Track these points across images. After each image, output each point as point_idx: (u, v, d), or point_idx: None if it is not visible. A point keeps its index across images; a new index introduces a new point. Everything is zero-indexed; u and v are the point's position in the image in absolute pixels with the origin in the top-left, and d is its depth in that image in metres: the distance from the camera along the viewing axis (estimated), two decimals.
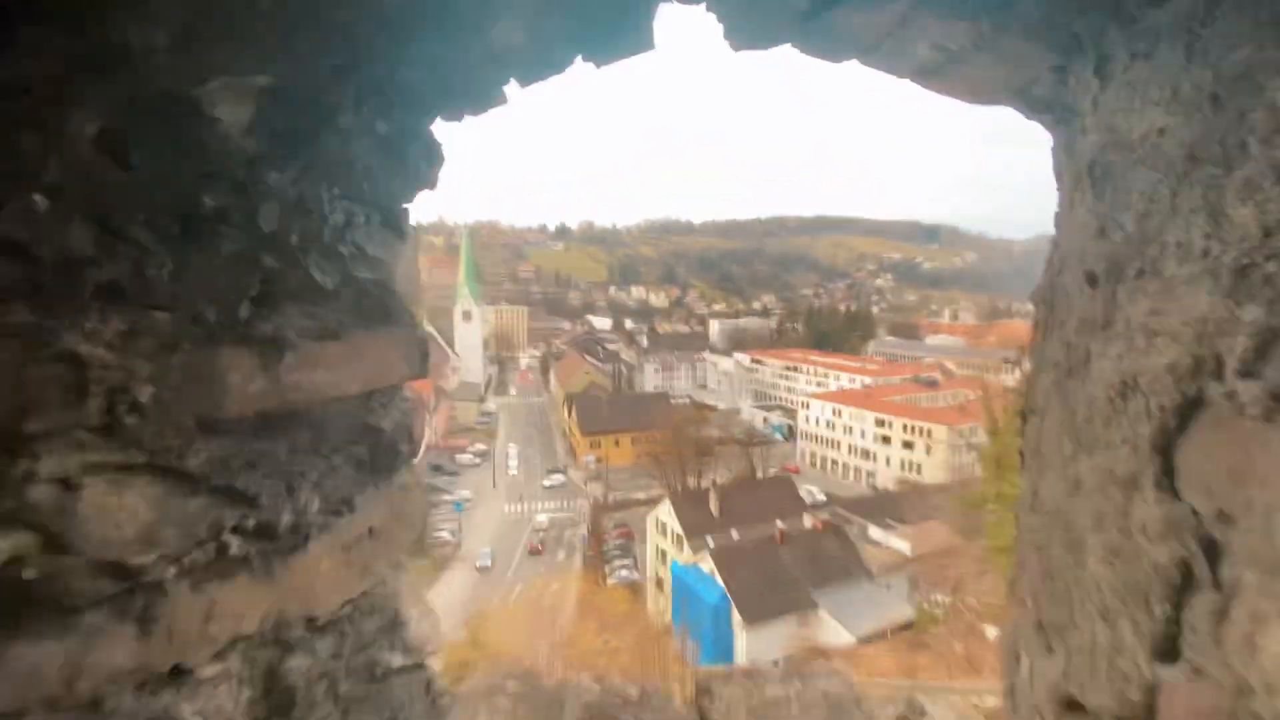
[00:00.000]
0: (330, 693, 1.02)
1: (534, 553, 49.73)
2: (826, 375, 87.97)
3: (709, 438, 59.27)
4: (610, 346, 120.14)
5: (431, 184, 1.16)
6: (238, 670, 0.91)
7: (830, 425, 69.08)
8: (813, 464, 70.10)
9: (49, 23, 0.64)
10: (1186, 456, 0.76)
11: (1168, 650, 0.80)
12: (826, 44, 1.20)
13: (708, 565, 33.68)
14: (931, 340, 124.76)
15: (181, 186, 0.78)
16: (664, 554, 41.40)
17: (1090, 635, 0.92)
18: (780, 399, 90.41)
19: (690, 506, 41.32)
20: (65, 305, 0.68)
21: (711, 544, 36.45)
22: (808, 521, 38.17)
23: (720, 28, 1.19)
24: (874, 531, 39.66)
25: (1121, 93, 0.87)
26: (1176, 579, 0.78)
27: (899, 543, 37.76)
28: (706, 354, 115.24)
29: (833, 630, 31.40)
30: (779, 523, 37.38)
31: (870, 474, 63.96)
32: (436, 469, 65.92)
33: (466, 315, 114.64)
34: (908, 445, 61.36)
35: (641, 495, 55.78)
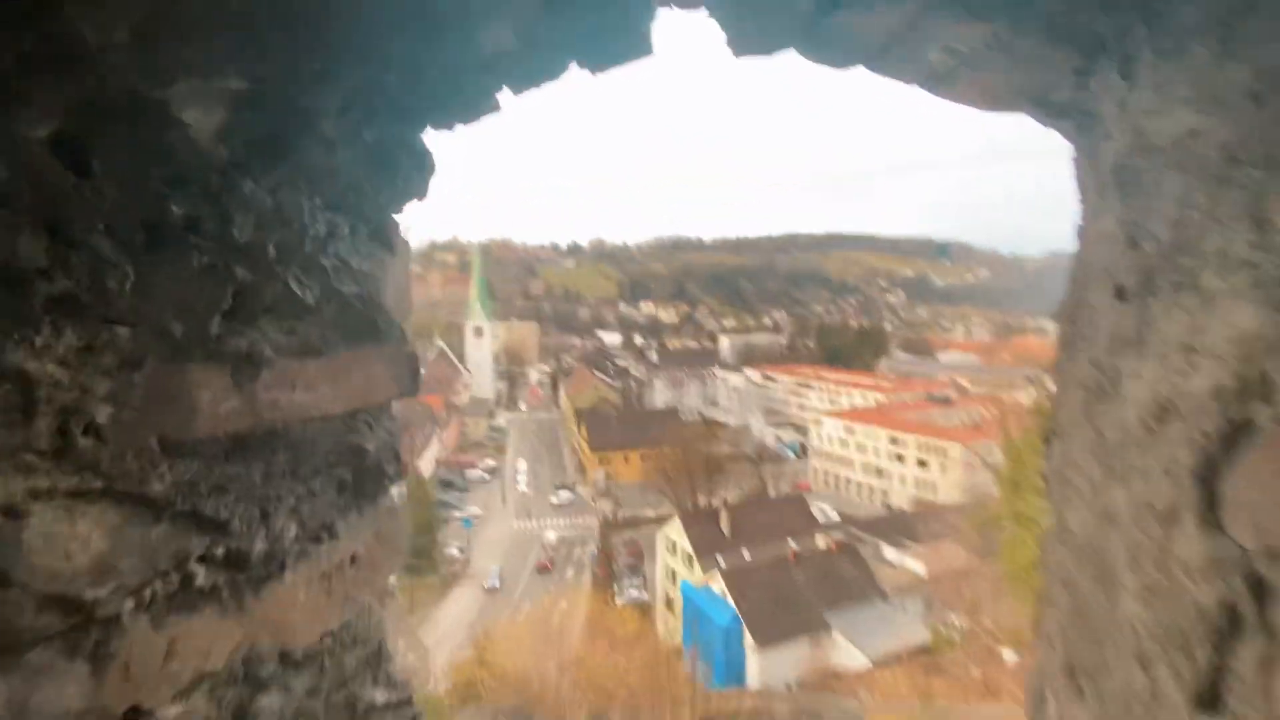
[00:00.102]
0: None
1: (543, 570, 49.38)
2: (839, 392, 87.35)
3: (719, 454, 58.81)
4: (620, 362, 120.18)
5: (422, 195, 1.11)
6: (204, 710, 0.85)
7: (843, 443, 68.41)
8: (825, 482, 69.37)
9: None
10: (1232, 487, 0.69)
11: (1210, 699, 0.72)
12: (831, 49, 1.16)
13: (719, 585, 33.22)
14: (945, 357, 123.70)
15: (146, 194, 0.74)
16: (674, 573, 40.92)
17: (1125, 680, 0.84)
18: (792, 416, 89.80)
19: (701, 525, 40.89)
20: (10, 319, 0.64)
21: (723, 564, 35.98)
22: (821, 541, 37.62)
23: (722, 33, 1.15)
24: (888, 552, 39.00)
25: (1149, 94, 0.81)
26: (1221, 622, 0.71)
27: (914, 563, 37.10)
28: (717, 370, 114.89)
29: (846, 653, 30.78)
30: (791, 542, 36.86)
31: (884, 493, 63.15)
32: (447, 485, 65.90)
33: (478, 331, 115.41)
34: (922, 463, 60.57)
35: (651, 513, 55.36)
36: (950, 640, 27.71)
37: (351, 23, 0.78)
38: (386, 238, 1.06)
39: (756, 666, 30.53)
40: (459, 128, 1.14)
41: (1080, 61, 0.95)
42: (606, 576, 45.59)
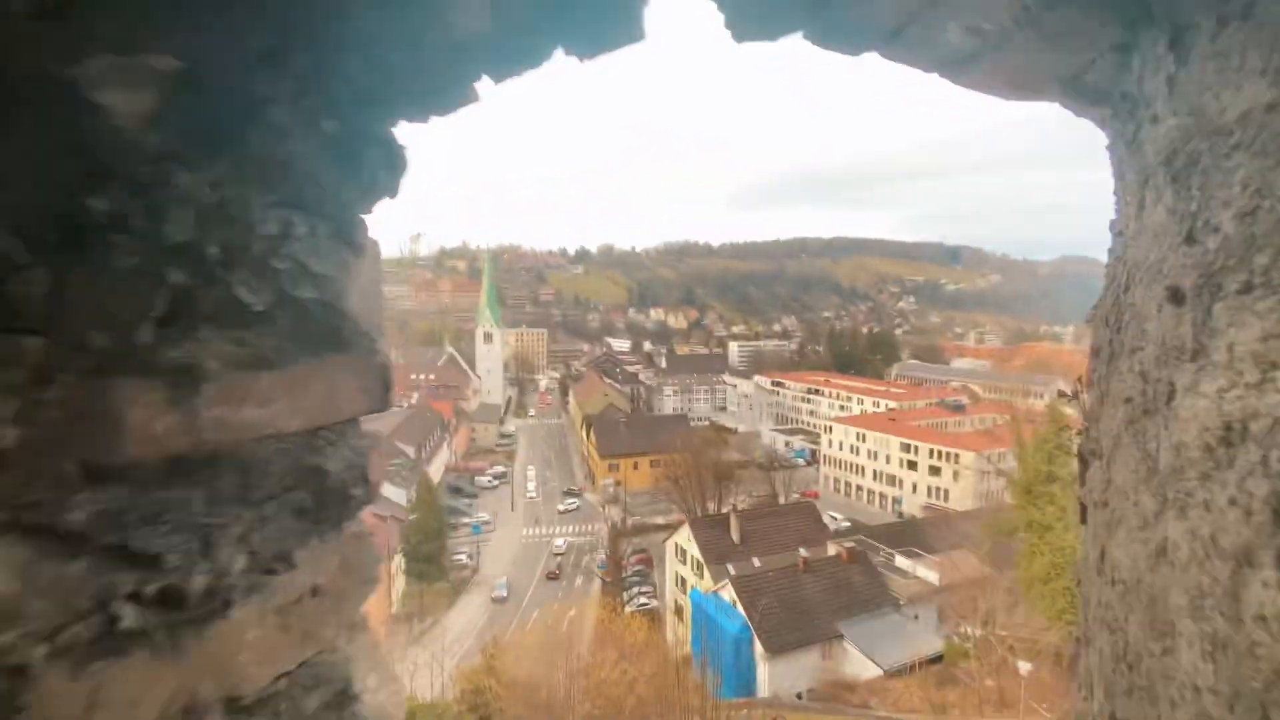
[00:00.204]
0: None
1: (552, 578, 49.21)
2: (849, 398, 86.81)
3: (729, 461, 58.54)
4: (629, 368, 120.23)
5: (393, 192, 1.02)
6: None
7: (854, 450, 67.90)
8: (835, 489, 68.84)
9: None
10: None
11: None
12: (841, 33, 1.06)
13: (729, 593, 32.93)
14: (957, 363, 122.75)
15: (59, 187, 0.65)
16: (683, 581, 40.65)
17: None
18: (802, 422, 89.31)
19: (710, 532, 40.62)
20: None
21: (732, 571, 35.69)
22: (832, 549, 37.23)
23: (720, 16, 1.06)
24: (900, 560, 38.53)
25: (1209, 67, 0.71)
26: None
27: (926, 572, 36.63)
28: (726, 376, 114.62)
29: (858, 662, 30.38)
30: (802, 550, 36.52)
31: (896, 500, 62.55)
32: (456, 491, 66.02)
33: (488, 338, 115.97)
34: (934, 471, 59.99)
35: (660, 520, 55.13)
36: (964, 650, 27.29)
37: None
38: (351, 238, 0.96)
39: (766, 675, 30.21)
40: (435, 120, 1.05)
41: (1121, 36, 0.84)
42: (615, 584, 45.36)
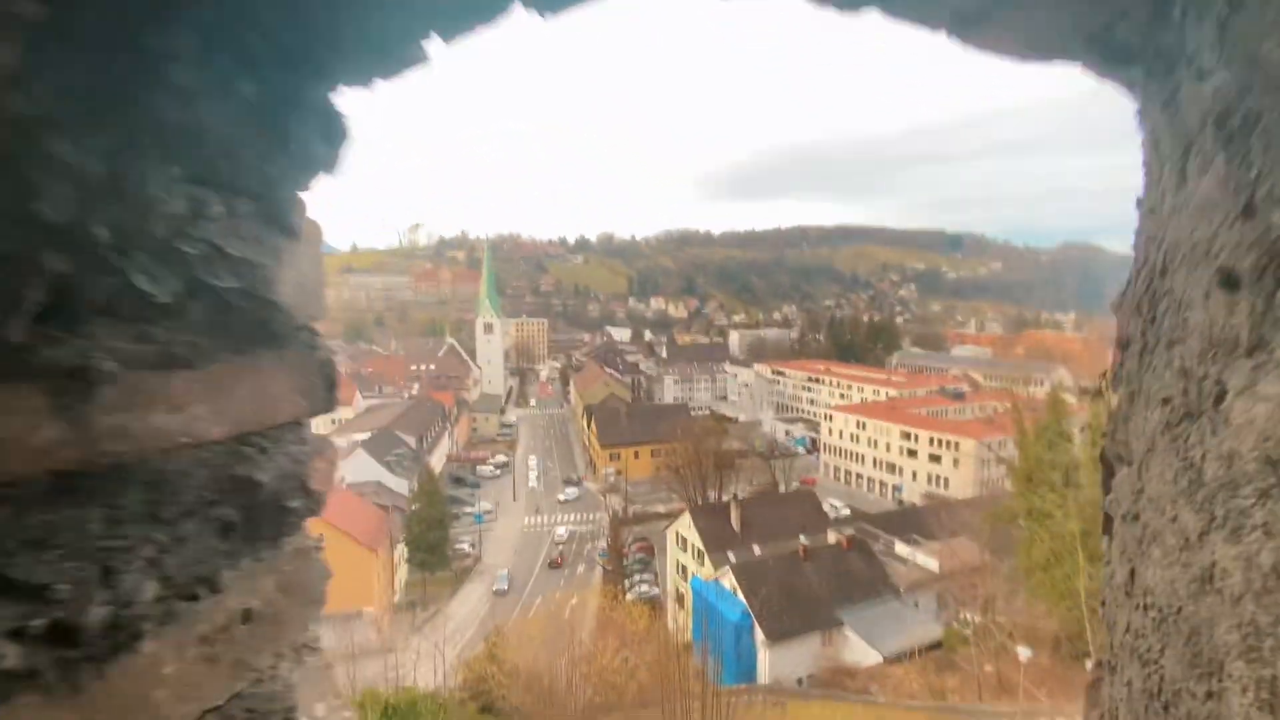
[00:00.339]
0: None
1: (554, 566, 49.38)
2: (850, 387, 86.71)
3: (729, 450, 58.53)
4: (630, 358, 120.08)
5: (330, 167, 0.91)
6: None
7: (854, 438, 67.90)
8: (835, 477, 68.93)
9: None
10: None
11: None
12: None
13: (729, 581, 33.04)
14: (957, 351, 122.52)
15: None
16: (684, 569, 40.80)
17: None
18: (803, 411, 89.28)
19: (711, 520, 40.72)
20: None
21: (733, 559, 35.79)
22: (832, 537, 37.33)
23: None
24: (900, 547, 38.61)
25: (1270, 8, 0.59)
26: None
27: (926, 559, 36.70)
28: (727, 365, 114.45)
29: (858, 649, 30.54)
30: (802, 538, 36.60)
31: (896, 488, 62.63)
32: (458, 481, 66.19)
33: (488, 328, 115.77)
34: (934, 458, 60.01)
35: (661, 508, 55.25)
36: (963, 637, 27.41)
37: None
38: (282, 219, 0.85)
39: (767, 662, 30.37)
40: (380, 85, 0.94)
41: None
42: (617, 572, 45.53)
